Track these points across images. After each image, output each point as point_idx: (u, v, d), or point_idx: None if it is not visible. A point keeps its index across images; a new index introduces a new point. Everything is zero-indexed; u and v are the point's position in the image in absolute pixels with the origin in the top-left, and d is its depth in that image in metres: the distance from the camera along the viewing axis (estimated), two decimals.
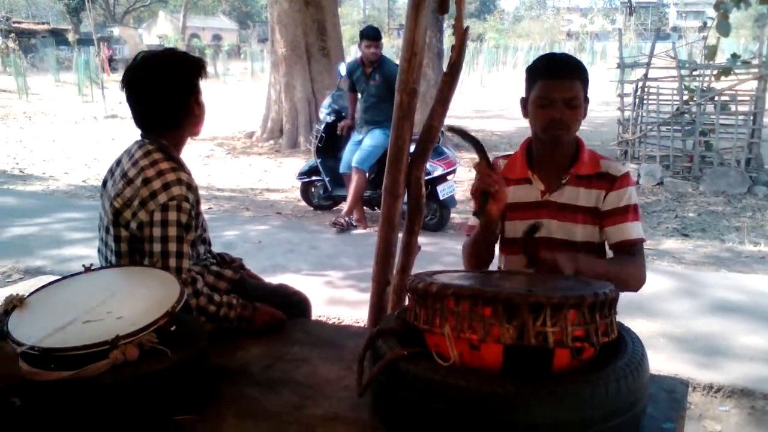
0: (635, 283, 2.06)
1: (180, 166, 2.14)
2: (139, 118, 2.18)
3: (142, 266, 2.04)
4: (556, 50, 35.04)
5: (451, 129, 2.05)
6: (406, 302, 1.76)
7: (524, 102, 2.13)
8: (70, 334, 1.63)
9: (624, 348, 1.53)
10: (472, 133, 2.05)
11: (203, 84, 2.26)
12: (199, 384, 1.72)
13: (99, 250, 2.27)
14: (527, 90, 2.11)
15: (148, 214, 2.03)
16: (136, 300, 1.79)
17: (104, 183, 2.25)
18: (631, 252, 2.10)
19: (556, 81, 2.02)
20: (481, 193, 1.93)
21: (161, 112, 2.14)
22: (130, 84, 2.14)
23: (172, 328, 1.70)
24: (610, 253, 2.16)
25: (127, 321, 1.65)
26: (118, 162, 2.22)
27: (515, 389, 1.38)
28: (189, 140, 2.34)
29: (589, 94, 2.12)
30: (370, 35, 6.69)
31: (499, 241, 2.27)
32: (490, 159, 1.99)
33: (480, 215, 2.02)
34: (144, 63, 2.14)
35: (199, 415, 1.65)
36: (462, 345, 1.47)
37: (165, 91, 2.12)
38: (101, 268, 2.09)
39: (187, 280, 2.05)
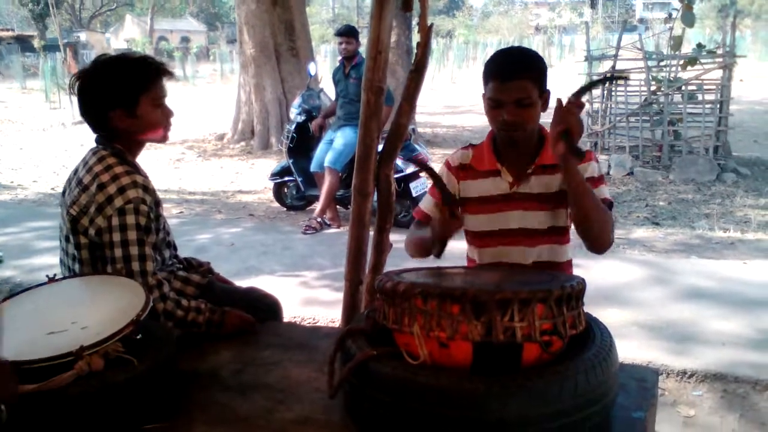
0: (609, 233, 2.04)
1: (135, 170, 2.11)
2: (90, 123, 2.15)
3: (105, 274, 2.01)
4: (525, 44, 35.26)
5: (422, 167, 2.06)
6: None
7: (484, 99, 2.13)
8: (35, 346, 1.60)
9: (592, 339, 1.54)
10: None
11: (170, 87, 2.22)
12: (168, 391, 1.70)
13: (61, 261, 2.24)
14: (484, 88, 2.11)
15: (106, 219, 2.01)
16: (101, 309, 1.77)
17: (63, 192, 2.21)
18: None
19: (505, 83, 2.01)
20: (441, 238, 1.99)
21: (107, 116, 2.10)
22: (77, 88, 2.11)
23: (138, 336, 1.67)
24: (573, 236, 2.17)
25: (91, 331, 1.62)
26: (75, 171, 2.19)
27: (485, 386, 1.38)
28: (161, 145, 2.31)
29: (558, 87, 2.12)
30: (343, 32, 6.81)
31: (465, 233, 2.29)
32: (459, 151, 1.99)
33: (437, 246, 2.06)
34: (92, 67, 2.12)
35: (169, 423, 1.63)
36: (431, 343, 1.46)
37: (109, 95, 2.09)
38: (64, 278, 2.06)
39: (152, 283, 2.02)
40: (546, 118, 1.92)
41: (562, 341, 1.46)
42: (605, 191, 2.12)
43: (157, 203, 2.18)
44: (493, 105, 2.05)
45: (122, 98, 2.09)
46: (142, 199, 2.05)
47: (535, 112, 2.06)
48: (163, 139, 2.23)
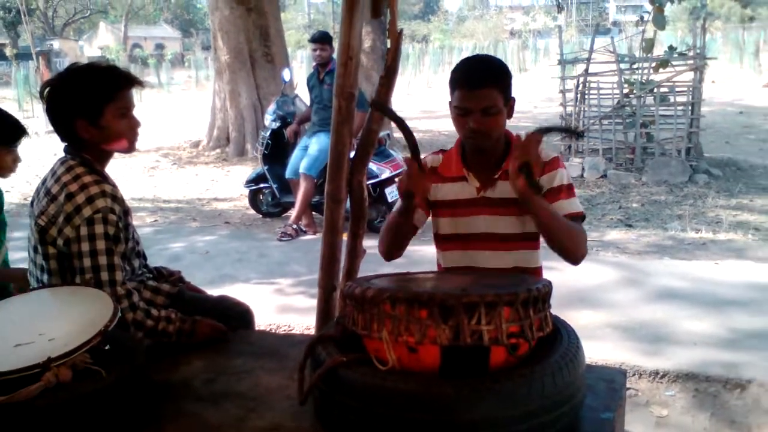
0: (580, 248, 2.07)
1: (103, 179, 2.10)
2: (58, 133, 2.14)
3: (74, 285, 2.00)
4: (500, 49, 35.34)
5: (376, 106, 2.08)
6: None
7: (450, 106, 2.15)
8: (2, 358, 1.58)
9: (559, 341, 1.55)
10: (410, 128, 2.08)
11: (145, 94, 2.21)
12: (138, 402, 1.69)
13: (30, 272, 2.22)
14: (450, 95, 2.13)
15: (74, 229, 1.99)
16: (68, 320, 1.75)
17: (32, 203, 2.19)
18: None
19: (471, 92, 2.03)
20: (406, 193, 2.03)
21: (72, 126, 2.09)
22: (45, 98, 2.11)
23: (107, 347, 1.66)
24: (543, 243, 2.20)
25: (59, 342, 1.61)
26: (44, 181, 2.17)
27: (453, 389, 1.39)
28: (134, 154, 2.30)
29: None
30: (317, 38, 6.83)
31: (435, 238, 2.33)
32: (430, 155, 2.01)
33: (404, 211, 2.13)
34: (60, 76, 2.12)
35: None
36: (400, 348, 1.47)
37: (73, 105, 2.08)
38: (32, 289, 2.04)
39: (121, 293, 2.01)
40: (512, 123, 1.94)
41: (529, 344, 1.47)
42: (575, 204, 2.14)
43: (126, 212, 2.17)
44: (460, 113, 2.08)
45: (86, 108, 2.08)
46: (110, 209, 2.04)
47: (501, 120, 2.09)
48: (129, 150, 2.22)
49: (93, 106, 2.08)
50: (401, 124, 2.03)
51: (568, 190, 2.13)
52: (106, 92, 2.10)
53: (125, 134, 2.16)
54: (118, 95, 2.12)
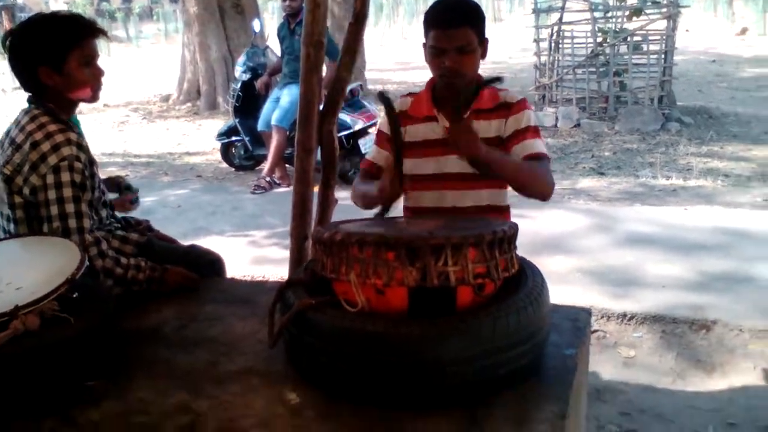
0: (545, 185, 2.10)
1: (69, 128, 2.08)
2: (21, 81, 2.12)
3: (41, 234, 1.99)
4: None
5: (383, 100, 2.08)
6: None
7: (425, 47, 2.15)
8: None
9: (525, 281, 1.58)
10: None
11: (113, 49, 2.19)
12: (107, 348, 1.69)
13: None
14: (425, 37, 2.14)
15: (41, 177, 1.98)
16: (36, 269, 1.75)
17: None
18: (539, 161, 2.15)
19: (446, 30, 2.05)
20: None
21: (35, 73, 2.07)
22: (6, 47, 2.08)
23: (75, 295, 1.66)
24: None
25: (26, 291, 1.61)
26: (8, 132, 2.14)
27: (420, 329, 1.42)
28: (104, 108, 2.28)
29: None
30: None
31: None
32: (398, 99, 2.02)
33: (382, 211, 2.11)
34: (20, 26, 2.09)
35: (111, 380, 1.63)
36: (368, 290, 1.49)
37: (36, 51, 2.06)
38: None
39: (90, 241, 2.01)
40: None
41: (494, 284, 1.50)
42: (539, 144, 2.16)
43: (92, 162, 2.15)
44: (435, 53, 2.09)
45: (50, 55, 2.06)
46: (76, 157, 2.02)
47: (476, 59, 2.11)
48: (93, 99, 2.20)
49: (56, 53, 2.07)
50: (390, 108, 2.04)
51: (534, 131, 2.16)
52: (69, 39, 2.08)
53: (89, 82, 2.14)
54: (82, 43, 2.10)
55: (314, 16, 2.64)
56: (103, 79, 2.22)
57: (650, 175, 6.98)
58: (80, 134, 2.14)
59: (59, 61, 2.06)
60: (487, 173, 2.00)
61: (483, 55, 2.14)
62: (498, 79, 2.07)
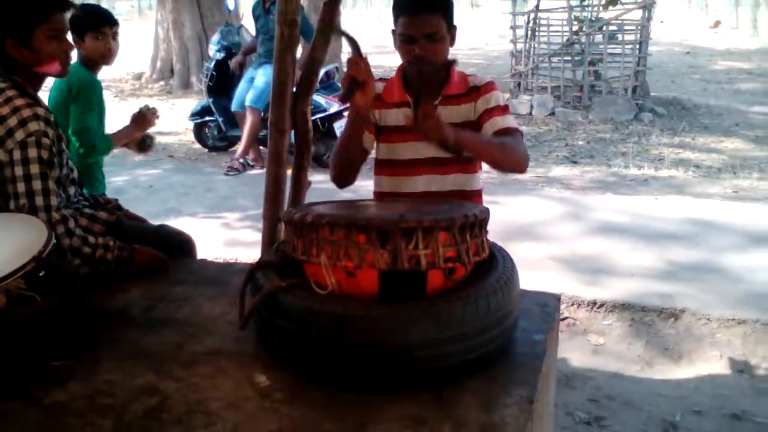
0: (518, 157, 2.10)
1: (36, 102, 2.03)
2: None
3: (7, 211, 1.94)
4: None
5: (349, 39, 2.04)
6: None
7: (393, 34, 2.14)
8: None
9: (495, 266, 1.58)
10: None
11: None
12: (73, 328, 1.67)
13: None
14: (394, 24, 2.13)
15: (7, 153, 1.93)
16: (2, 247, 1.70)
17: None
18: (511, 136, 2.14)
19: (415, 17, 2.04)
20: (350, 80, 1.93)
21: (1, 46, 2.02)
22: None
23: (41, 274, 1.63)
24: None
25: None
26: None
27: (391, 312, 1.41)
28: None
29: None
30: None
31: (376, 162, 2.36)
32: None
33: (350, 105, 2.05)
34: None
35: (76, 360, 1.60)
36: (339, 273, 1.47)
37: (3, 23, 2.00)
38: None
39: (57, 218, 1.97)
40: (464, 60, 1.93)
41: (465, 268, 1.49)
42: (509, 120, 2.17)
43: (60, 138, 2.11)
44: (404, 40, 2.08)
45: (16, 28, 2.00)
46: (44, 132, 1.98)
47: (445, 46, 2.11)
48: (61, 74, 2.15)
49: (23, 26, 2.01)
50: (353, 42, 2.01)
51: (502, 109, 2.17)
52: (37, 12, 2.03)
53: (57, 56, 2.09)
54: (50, 17, 2.05)
55: None
56: (72, 54, 2.18)
57: (622, 165, 7.05)
58: (49, 110, 2.09)
59: (26, 35, 2.01)
60: (459, 154, 1.99)
61: (452, 42, 2.15)
62: (453, 62, 2.10)
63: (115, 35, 3.13)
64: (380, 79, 2.32)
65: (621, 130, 8.84)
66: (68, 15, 2.14)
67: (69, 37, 2.15)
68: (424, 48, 2.05)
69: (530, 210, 5.28)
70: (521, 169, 2.13)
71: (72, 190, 2.24)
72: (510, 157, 2.07)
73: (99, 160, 3.32)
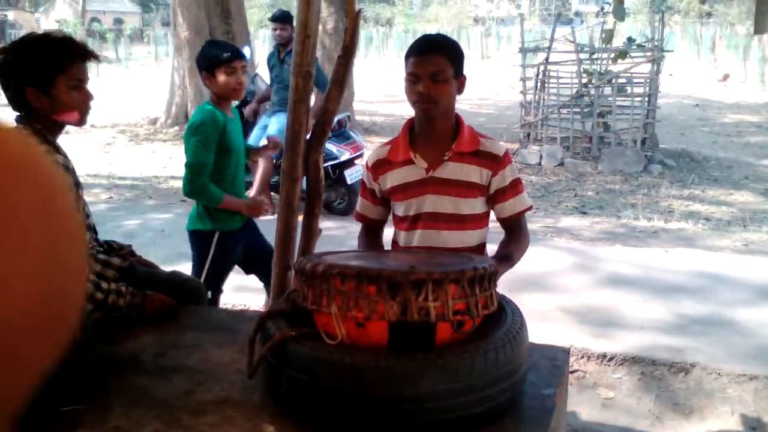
0: (526, 249, 2.35)
1: (56, 149, 2.08)
2: (10, 101, 2.12)
3: None
4: (464, 35, 35.36)
5: None
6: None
7: (405, 79, 2.24)
8: None
9: (504, 319, 1.59)
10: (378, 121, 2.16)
11: (102, 70, 2.20)
12: (84, 374, 1.68)
13: None
14: (405, 68, 2.22)
15: None
16: None
17: None
18: (520, 222, 2.33)
19: (421, 57, 2.15)
20: None
21: (23, 93, 2.08)
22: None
23: None
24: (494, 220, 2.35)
25: None
26: None
27: (400, 363, 1.42)
28: (90, 129, 2.29)
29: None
30: (278, 18, 6.76)
31: (393, 218, 2.44)
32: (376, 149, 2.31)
33: None
34: (15, 44, 2.10)
35: (86, 406, 1.61)
36: (349, 323, 1.49)
37: (25, 72, 2.07)
38: None
39: None
40: (474, 110, 1.97)
41: (474, 321, 1.50)
42: (524, 200, 2.31)
43: (77, 184, 2.15)
44: (412, 80, 2.17)
45: (37, 76, 2.07)
46: None
47: (450, 89, 2.18)
48: (80, 123, 2.20)
49: (44, 75, 2.08)
50: None
51: (518, 184, 2.29)
52: (58, 62, 2.09)
53: (76, 106, 2.14)
54: (71, 66, 2.11)
55: (304, 46, 2.67)
56: (92, 103, 2.23)
57: (632, 216, 7.05)
58: (66, 156, 2.14)
59: (46, 84, 2.07)
60: None
61: (460, 90, 2.22)
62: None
63: (243, 69, 3.20)
64: (387, 143, 2.39)
65: (630, 182, 8.86)
66: (88, 64, 2.20)
67: (89, 86, 2.21)
68: (427, 87, 2.12)
69: (540, 260, 5.27)
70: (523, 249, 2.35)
71: (87, 236, 2.27)
72: (522, 255, 2.31)
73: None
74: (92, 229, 2.35)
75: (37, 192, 0.33)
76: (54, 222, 0.34)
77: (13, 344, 0.32)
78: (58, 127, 2.19)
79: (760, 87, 19.67)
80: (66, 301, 0.34)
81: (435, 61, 2.13)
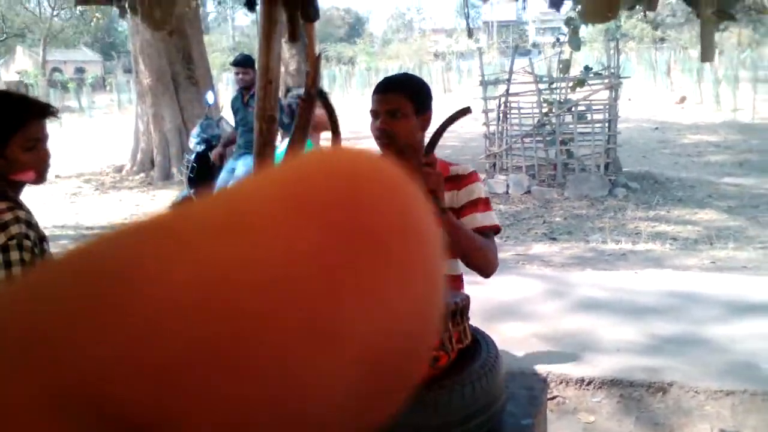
0: (489, 261, 2.17)
1: (17, 205, 2.05)
2: None
3: None
4: (425, 70, 35.87)
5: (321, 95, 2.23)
6: None
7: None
8: None
9: (479, 352, 1.60)
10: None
11: (65, 119, 2.17)
12: None
13: None
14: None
15: None
16: None
17: None
18: (488, 238, 2.23)
19: (381, 95, 2.21)
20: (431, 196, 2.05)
21: None
22: None
23: None
24: None
25: None
26: None
27: None
28: (55, 180, 2.25)
29: (450, 112, 2.26)
30: (239, 62, 6.78)
31: None
32: None
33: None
34: None
35: None
36: None
37: None
38: None
39: None
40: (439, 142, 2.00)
41: (448, 356, 1.51)
42: (490, 217, 2.25)
43: (42, 238, 2.13)
44: (373, 116, 2.23)
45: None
46: (25, 235, 1.99)
47: (408, 125, 2.21)
48: (38, 182, 2.16)
49: (17, 134, 2.03)
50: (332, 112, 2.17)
51: (484, 204, 2.24)
52: (12, 123, 2.04)
53: (33, 166, 2.10)
54: (27, 126, 2.06)
55: (266, 92, 2.69)
56: (51, 161, 2.18)
57: (600, 240, 7.14)
58: (29, 212, 2.11)
59: (1, 144, 2.04)
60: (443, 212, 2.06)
61: (423, 127, 2.27)
62: (465, 111, 2.23)
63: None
64: None
65: (597, 206, 8.98)
66: (47, 121, 2.16)
67: (49, 143, 2.16)
68: (385, 123, 2.18)
69: (512, 289, 5.30)
70: (488, 271, 2.17)
71: None
72: (482, 255, 2.13)
73: None
74: None
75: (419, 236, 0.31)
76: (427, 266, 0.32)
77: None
78: (18, 185, 2.16)
79: (715, 107, 20.17)
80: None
81: (392, 99, 2.19)
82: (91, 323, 0.23)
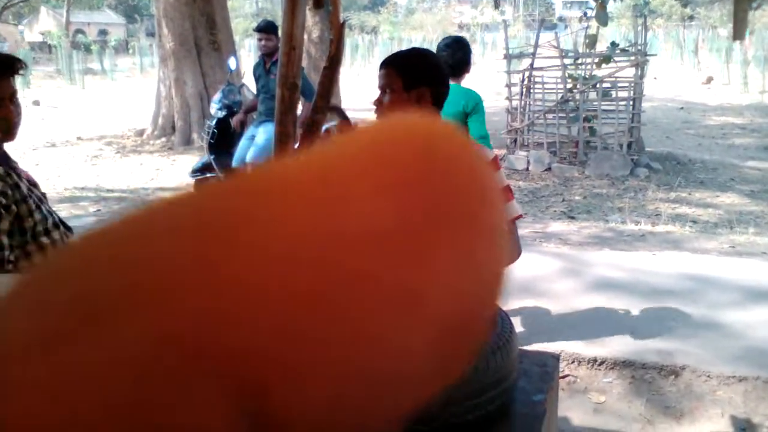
0: (515, 251, 2.27)
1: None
2: None
3: None
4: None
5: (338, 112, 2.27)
6: None
7: None
8: None
9: (493, 327, 1.60)
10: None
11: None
12: None
13: None
14: None
15: None
16: None
17: None
18: (510, 230, 2.24)
19: (379, 71, 2.32)
20: None
21: None
22: None
23: None
24: None
25: None
26: None
27: None
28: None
29: (480, 84, 2.31)
30: (262, 28, 6.73)
31: None
32: None
33: None
34: None
35: None
36: None
37: None
38: None
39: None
40: None
41: None
42: (514, 207, 2.28)
43: (16, 185, 2.10)
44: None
45: None
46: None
47: (397, 101, 2.25)
48: (4, 140, 2.14)
49: None
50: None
51: (507, 191, 2.30)
52: None
53: (7, 122, 2.10)
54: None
55: (289, 58, 2.68)
56: (20, 118, 2.15)
57: (619, 220, 7.09)
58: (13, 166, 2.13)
59: None
60: None
61: (420, 102, 2.27)
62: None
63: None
64: None
65: (617, 186, 8.91)
66: (15, 78, 2.12)
67: (16, 101, 2.13)
68: (379, 98, 2.30)
69: (528, 266, 5.28)
70: (511, 263, 2.17)
71: (57, 235, 2.23)
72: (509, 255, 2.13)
73: None
74: (63, 226, 2.30)
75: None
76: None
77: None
78: None
79: (742, 89, 19.85)
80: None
81: (384, 74, 2.28)
82: (222, 276, 0.24)
